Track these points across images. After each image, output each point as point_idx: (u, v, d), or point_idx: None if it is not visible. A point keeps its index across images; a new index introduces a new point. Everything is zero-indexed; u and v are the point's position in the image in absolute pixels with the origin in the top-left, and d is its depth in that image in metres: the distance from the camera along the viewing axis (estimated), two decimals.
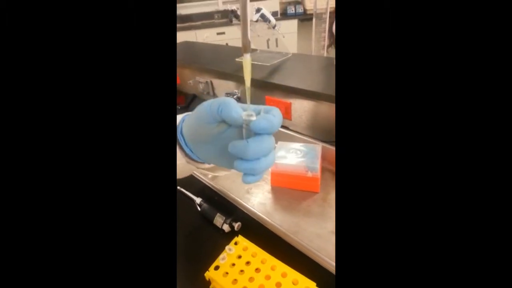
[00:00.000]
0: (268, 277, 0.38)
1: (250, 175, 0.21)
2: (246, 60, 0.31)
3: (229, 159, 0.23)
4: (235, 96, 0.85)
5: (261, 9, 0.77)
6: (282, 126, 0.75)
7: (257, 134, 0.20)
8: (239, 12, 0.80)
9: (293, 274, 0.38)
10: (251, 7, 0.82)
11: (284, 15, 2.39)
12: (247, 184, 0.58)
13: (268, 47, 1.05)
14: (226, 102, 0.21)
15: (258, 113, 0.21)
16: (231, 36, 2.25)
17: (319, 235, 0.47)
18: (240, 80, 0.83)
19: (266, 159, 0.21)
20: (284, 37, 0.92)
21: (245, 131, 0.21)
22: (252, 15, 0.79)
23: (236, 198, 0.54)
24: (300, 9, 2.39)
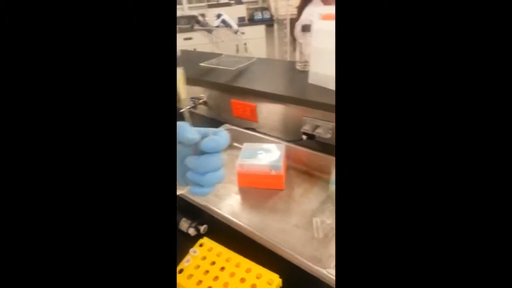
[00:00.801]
0: (232, 274, 0.39)
1: (197, 187, 0.24)
2: (179, 73, 0.33)
3: (184, 177, 0.25)
4: (201, 100, 0.86)
5: (222, 14, 0.79)
6: (249, 128, 0.76)
7: (206, 152, 0.23)
8: (200, 18, 0.81)
9: (257, 268, 0.39)
10: (212, 13, 0.83)
11: (251, 20, 2.44)
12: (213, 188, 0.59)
13: (237, 51, 1.07)
14: (180, 126, 0.24)
15: (207, 135, 0.24)
16: (198, 41, 2.24)
17: (283, 230, 0.49)
18: (206, 84, 0.84)
19: (214, 174, 0.23)
20: (245, 44, 0.94)
21: (198, 150, 0.24)
22: (213, 21, 0.80)
23: (203, 202, 0.54)
24: (267, 15, 2.46)
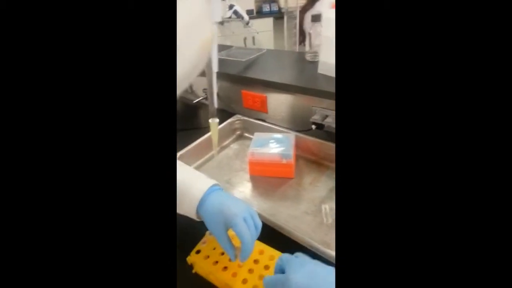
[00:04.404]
0: None
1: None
2: (214, 124, 0.39)
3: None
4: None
5: (234, 5, 0.79)
6: (259, 119, 0.77)
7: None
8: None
9: (269, 250, 0.41)
10: (224, 4, 0.83)
11: (259, 13, 2.42)
12: (227, 175, 0.61)
13: (245, 45, 1.08)
14: (220, 241, 0.38)
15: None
16: None
17: (294, 216, 0.51)
18: (216, 76, 0.85)
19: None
20: (258, 33, 0.95)
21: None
22: (225, 12, 0.81)
23: None
24: (275, 7, 2.43)
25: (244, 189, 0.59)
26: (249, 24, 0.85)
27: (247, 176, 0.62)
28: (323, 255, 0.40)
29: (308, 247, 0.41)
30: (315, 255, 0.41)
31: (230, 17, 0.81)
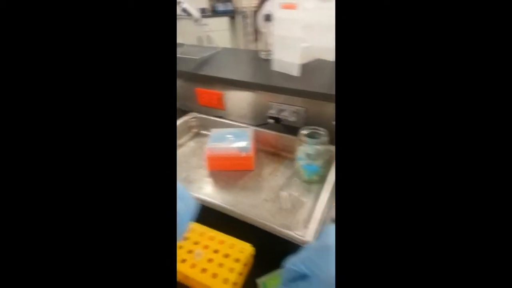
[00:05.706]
0: (206, 247, 0.40)
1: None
2: None
3: None
4: None
5: (182, 2, 0.78)
6: (217, 116, 0.77)
7: None
8: None
9: (229, 240, 0.41)
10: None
11: (214, 12, 2.40)
12: (185, 172, 0.59)
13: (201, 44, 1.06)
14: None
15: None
16: None
17: (254, 205, 0.52)
18: None
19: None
20: (212, 31, 0.94)
21: None
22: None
23: None
24: (230, 7, 2.44)
25: (203, 184, 0.58)
26: (200, 22, 0.85)
27: (206, 172, 0.61)
28: (283, 236, 0.42)
29: (269, 231, 0.43)
30: (275, 238, 0.42)
31: (179, 15, 0.79)
